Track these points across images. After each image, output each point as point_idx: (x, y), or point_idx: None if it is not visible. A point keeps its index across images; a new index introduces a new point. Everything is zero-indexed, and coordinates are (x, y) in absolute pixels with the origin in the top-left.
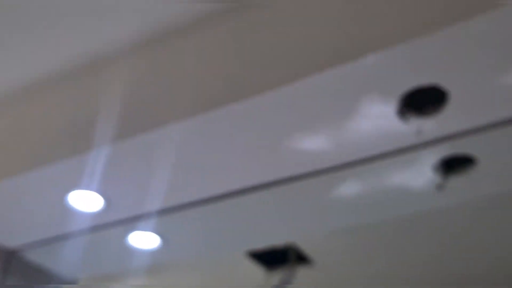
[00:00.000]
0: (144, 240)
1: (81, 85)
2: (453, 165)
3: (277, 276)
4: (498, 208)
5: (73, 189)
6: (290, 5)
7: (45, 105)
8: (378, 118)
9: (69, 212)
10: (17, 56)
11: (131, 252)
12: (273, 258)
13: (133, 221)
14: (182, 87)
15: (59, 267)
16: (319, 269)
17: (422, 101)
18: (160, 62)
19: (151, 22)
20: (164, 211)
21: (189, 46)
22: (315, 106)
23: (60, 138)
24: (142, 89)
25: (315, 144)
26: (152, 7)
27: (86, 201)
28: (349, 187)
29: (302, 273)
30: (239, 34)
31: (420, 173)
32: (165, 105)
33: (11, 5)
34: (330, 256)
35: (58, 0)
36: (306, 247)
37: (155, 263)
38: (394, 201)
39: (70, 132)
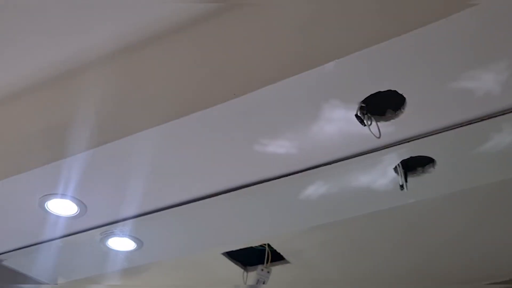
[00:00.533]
0: (121, 244)
1: (56, 92)
2: (414, 165)
3: (253, 274)
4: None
5: (49, 196)
6: (253, 15)
7: (20, 112)
8: (340, 123)
9: (45, 219)
10: None
11: (108, 256)
12: (250, 257)
13: (109, 226)
14: (155, 94)
15: (37, 273)
16: (294, 267)
17: (383, 105)
18: (134, 70)
19: (125, 30)
20: (140, 216)
21: (160, 55)
22: (279, 112)
23: (36, 145)
24: (116, 97)
25: (281, 149)
26: (126, 15)
27: (62, 207)
28: (317, 188)
29: (278, 271)
30: (207, 43)
31: (384, 174)
32: (139, 112)
33: None
34: (304, 253)
35: (31, 6)
36: (281, 245)
37: (132, 265)
38: (360, 201)
39: (46, 139)
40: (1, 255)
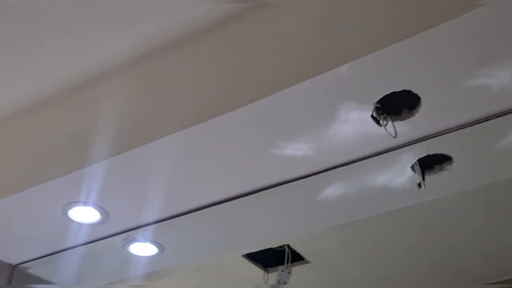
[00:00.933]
0: (143, 249)
1: (76, 102)
2: (431, 163)
3: (274, 275)
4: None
5: (72, 204)
6: (268, 20)
7: (42, 122)
8: (356, 124)
9: (68, 226)
10: (13, 75)
11: (131, 261)
12: (270, 258)
13: (131, 232)
14: (173, 101)
15: (61, 279)
16: (314, 267)
17: (398, 105)
18: (152, 77)
19: (142, 38)
20: (161, 221)
21: (179, 61)
22: (295, 115)
23: (58, 154)
24: (135, 104)
25: (299, 151)
26: (142, 24)
27: (85, 215)
28: (335, 189)
29: (298, 271)
30: (224, 49)
31: (401, 173)
32: (158, 119)
33: (6, 21)
34: (324, 253)
35: (50, 17)
36: (301, 246)
37: (154, 270)
38: (378, 200)
39: (67, 148)
40: (26, 263)
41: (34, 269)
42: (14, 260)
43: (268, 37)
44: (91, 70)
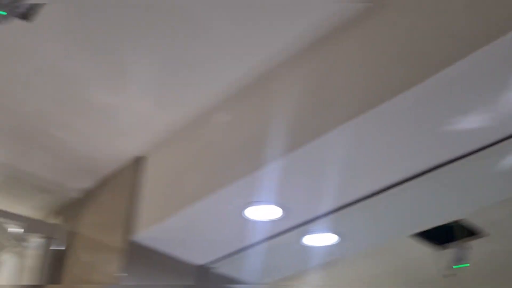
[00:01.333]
0: (320, 239)
1: (249, 102)
2: None
3: (449, 253)
4: None
5: (252, 204)
6: None
7: (218, 127)
8: None
9: (249, 226)
10: (186, 83)
11: (308, 252)
12: (441, 235)
13: (309, 224)
14: (341, 90)
15: (244, 275)
16: (492, 240)
17: None
18: (317, 69)
19: (305, 29)
20: (337, 210)
21: (339, 51)
22: (468, 87)
23: (236, 156)
24: (306, 98)
25: (473, 124)
26: (303, 15)
27: (263, 213)
28: None
29: (475, 247)
30: (383, 31)
31: None
32: (328, 110)
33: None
34: (501, 225)
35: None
36: (476, 218)
37: (331, 259)
38: None
39: (245, 149)
40: (211, 263)
41: (219, 268)
42: (200, 261)
43: (426, 12)
44: (259, 69)
